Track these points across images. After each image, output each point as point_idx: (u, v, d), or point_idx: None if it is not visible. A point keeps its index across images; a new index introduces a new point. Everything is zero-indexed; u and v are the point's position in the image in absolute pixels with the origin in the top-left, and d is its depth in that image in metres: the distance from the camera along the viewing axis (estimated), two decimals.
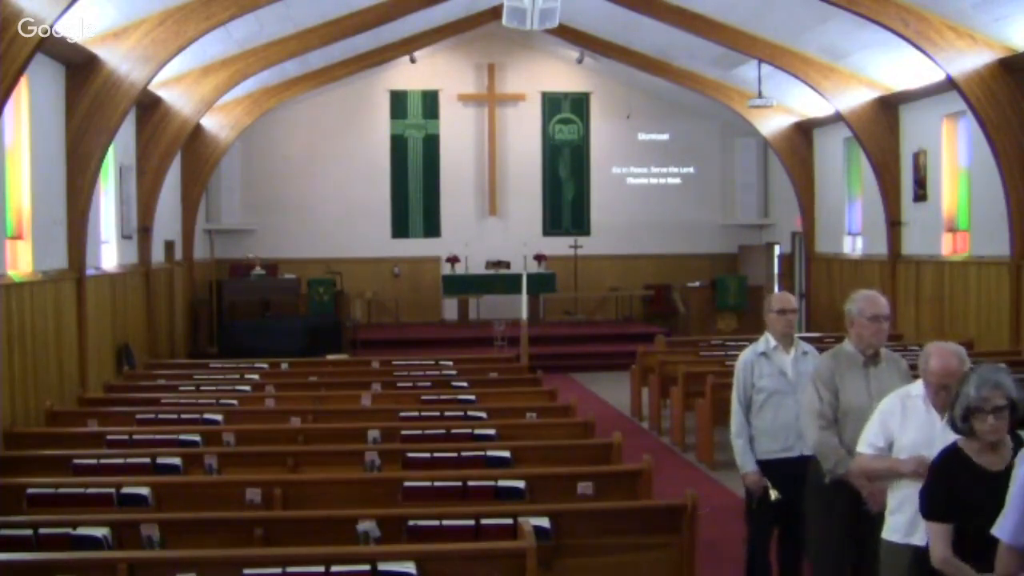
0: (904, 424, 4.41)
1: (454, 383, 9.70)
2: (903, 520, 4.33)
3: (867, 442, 4.54)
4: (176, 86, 13.63)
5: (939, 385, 4.26)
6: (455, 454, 6.62)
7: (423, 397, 9.05)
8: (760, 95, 15.39)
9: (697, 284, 18.18)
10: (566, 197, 20.70)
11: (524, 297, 13.56)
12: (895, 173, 14.68)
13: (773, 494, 5.74)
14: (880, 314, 5.18)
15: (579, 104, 20.66)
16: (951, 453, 3.97)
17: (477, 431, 7.36)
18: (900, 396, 4.52)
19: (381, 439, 7.26)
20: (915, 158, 14.29)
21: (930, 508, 3.93)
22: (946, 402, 4.21)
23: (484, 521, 5.02)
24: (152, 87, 12.35)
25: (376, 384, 9.59)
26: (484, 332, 16.54)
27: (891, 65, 13.53)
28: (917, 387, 4.46)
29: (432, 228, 20.26)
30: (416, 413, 8.14)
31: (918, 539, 4.19)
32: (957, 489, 3.87)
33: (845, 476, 4.96)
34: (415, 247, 20.20)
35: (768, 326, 5.99)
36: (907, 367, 5.35)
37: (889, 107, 14.54)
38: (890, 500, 4.46)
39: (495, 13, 16.32)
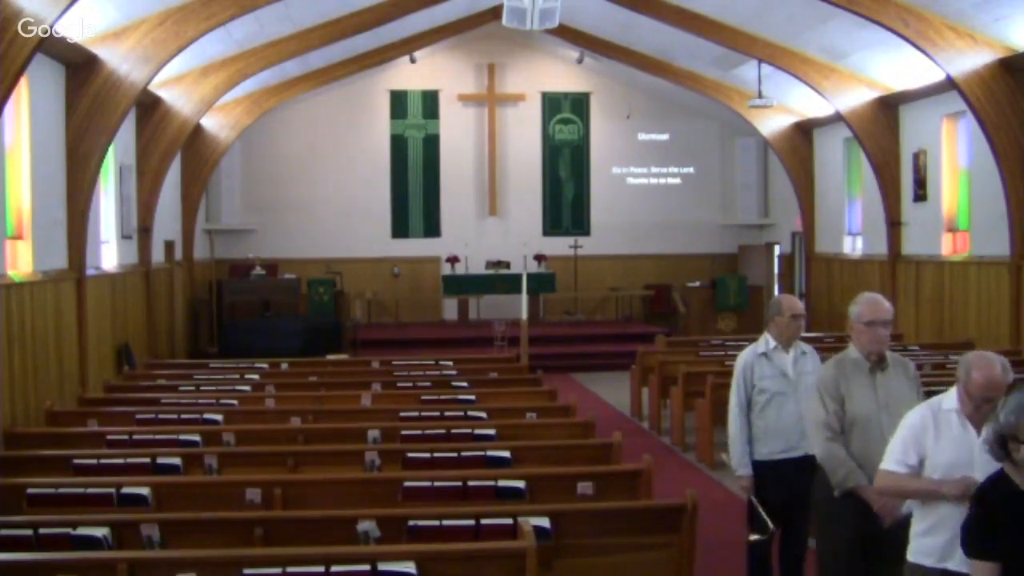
0: (938, 441, 4.03)
1: (454, 383, 9.70)
2: (938, 543, 3.98)
3: (896, 459, 4.12)
4: (176, 86, 13.63)
5: (982, 399, 3.93)
6: (455, 454, 6.62)
7: (423, 397, 9.05)
8: (760, 95, 15.39)
9: (697, 284, 18.18)
10: (566, 197, 20.70)
11: (524, 297, 13.55)
12: (895, 173, 14.68)
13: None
14: (877, 319, 4.91)
15: (579, 104, 20.66)
16: (996, 481, 3.62)
17: (477, 431, 7.35)
18: (931, 409, 4.12)
19: (381, 439, 7.25)
20: (915, 158, 14.29)
21: (974, 544, 3.57)
22: (988, 417, 3.87)
23: (484, 521, 5.01)
24: (152, 87, 12.35)
25: (376, 384, 9.59)
26: (484, 332, 16.52)
27: (891, 65, 13.53)
28: (949, 399, 4.09)
29: (432, 228, 20.26)
30: (416, 413, 8.14)
31: (954, 564, 3.91)
32: (1004, 522, 3.51)
33: (856, 490, 4.74)
34: (415, 247, 20.20)
35: (772, 328, 5.96)
36: (915, 371, 5.11)
37: (889, 107, 14.54)
38: (919, 521, 4.10)
39: (495, 13, 16.32)
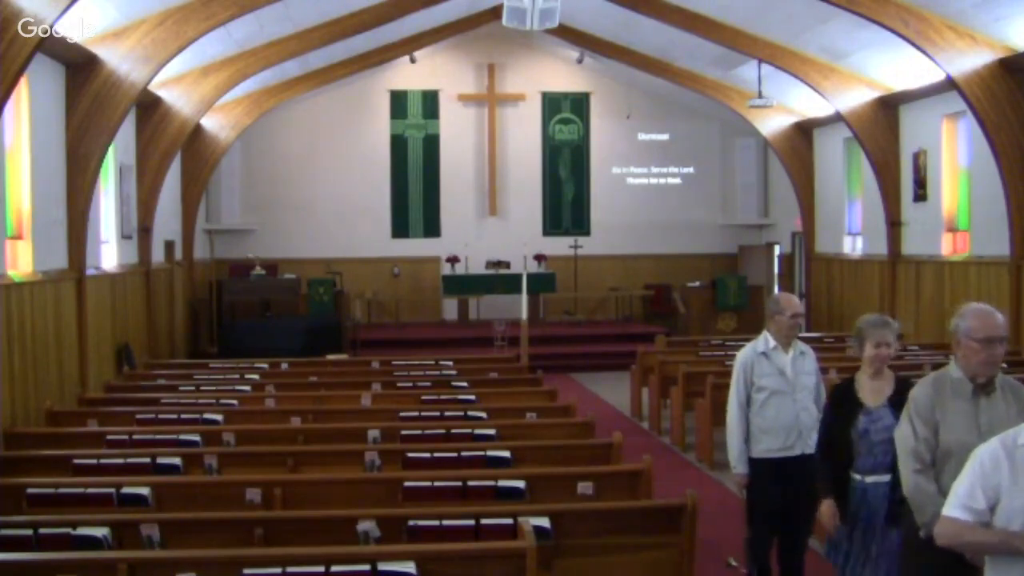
0: (1016, 481, 3.32)
1: (454, 383, 9.70)
2: None
3: (961, 503, 3.40)
4: (176, 86, 13.63)
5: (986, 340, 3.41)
6: (455, 454, 6.62)
7: (423, 397, 9.05)
8: (760, 95, 15.39)
9: (697, 284, 18.18)
10: (566, 197, 20.70)
11: (524, 297, 13.55)
12: (895, 173, 14.68)
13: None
14: (994, 336, 4.16)
15: (579, 104, 20.66)
16: None
17: (477, 431, 7.36)
18: (1004, 444, 3.40)
19: (381, 439, 7.26)
20: (915, 158, 14.29)
21: None
22: None
23: (484, 521, 5.01)
24: (152, 87, 12.35)
25: (376, 384, 9.59)
26: (484, 332, 16.53)
27: (891, 65, 13.53)
28: None
29: (432, 228, 20.26)
30: (416, 413, 8.14)
31: None
32: None
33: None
34: (415, 247, 20.20)
35: (771, 326, 5.96)
36: None
37: (889, 107, 14.54)
38: None
39: (495, 13, 16.32)
